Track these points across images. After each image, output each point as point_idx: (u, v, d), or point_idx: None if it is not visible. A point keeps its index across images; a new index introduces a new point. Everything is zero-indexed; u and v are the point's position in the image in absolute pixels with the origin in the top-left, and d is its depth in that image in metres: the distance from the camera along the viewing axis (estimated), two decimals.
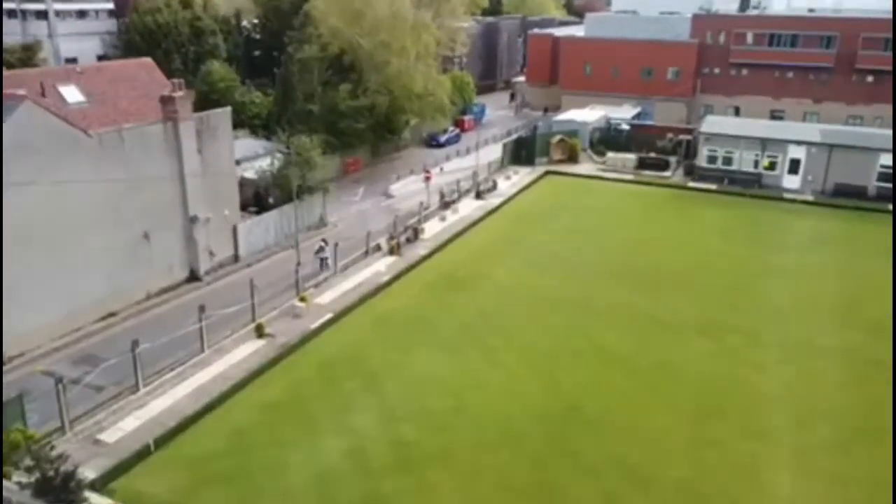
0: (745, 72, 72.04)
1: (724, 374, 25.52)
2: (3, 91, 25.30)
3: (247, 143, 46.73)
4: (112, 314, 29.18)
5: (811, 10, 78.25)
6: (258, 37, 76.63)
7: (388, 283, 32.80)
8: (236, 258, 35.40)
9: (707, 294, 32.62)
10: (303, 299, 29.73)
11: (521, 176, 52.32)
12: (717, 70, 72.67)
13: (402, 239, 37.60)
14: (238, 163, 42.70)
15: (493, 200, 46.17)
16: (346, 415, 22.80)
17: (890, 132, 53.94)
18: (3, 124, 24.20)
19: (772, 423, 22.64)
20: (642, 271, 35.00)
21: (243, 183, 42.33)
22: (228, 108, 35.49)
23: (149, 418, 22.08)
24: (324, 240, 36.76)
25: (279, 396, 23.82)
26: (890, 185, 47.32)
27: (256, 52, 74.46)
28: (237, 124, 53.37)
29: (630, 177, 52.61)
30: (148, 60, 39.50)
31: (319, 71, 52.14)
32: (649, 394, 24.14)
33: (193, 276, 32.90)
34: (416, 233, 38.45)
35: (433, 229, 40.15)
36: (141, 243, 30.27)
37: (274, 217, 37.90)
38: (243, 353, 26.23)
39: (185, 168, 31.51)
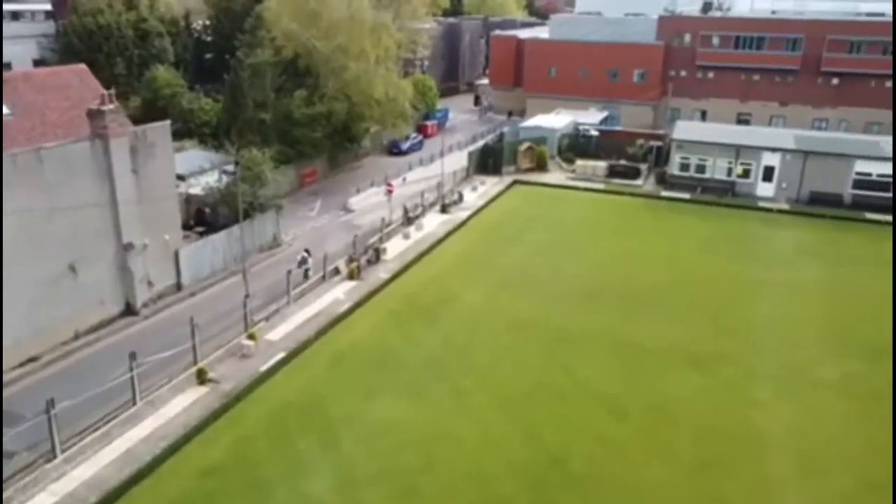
0: (711, 74, 70.82)
1: (721, 415, 23.20)
2: None
3: (193, 156, 43.19)
4: (33, 359, 25.66)
5: (774, 13, 77.58)
6: (209, 39, 72.80)
7: (348, 313, 29.83)
8: (179, 287, 32.03)
9: (693, 316, 30.41)
10: (251, 337, 26.61)
11: (488, 186, 49.78)
12: (683, 72, 71.29)
13: (363, 261, 34.67)
14: (183, 178, 39.36)
15: (459, 214, 43.49)
16: (300, 479, 19.82)
17: (864, 137, 52.96)
18: None
19: (778, 474, 20.35)
20: (622, 291, 32.68)
21: (189, 200, 39.00)
22: (167, 122, 32.09)
23: (66, 493, 18.81)
24: (307, 250, 34.27)
25: (222, 458, 20.71)
26: (866, 193, 46.04)
27: (207, 56, 70.60)
28: (185, 133, 49.94)
29: (601, 186, 50.47)
30: (82, 67, 35.92)
31: (272, 76, 48.86)
32: (642, 441, 21.68)
33: (129, 310, 29.47)
34: (377, 253, 35.53)
35: (396, 248, 37.28)
36: (66, 276, 26.78)
37: (222, 239, 34.60)
38: (182, 403, 23.03)
39: (117, 191, 28.10)
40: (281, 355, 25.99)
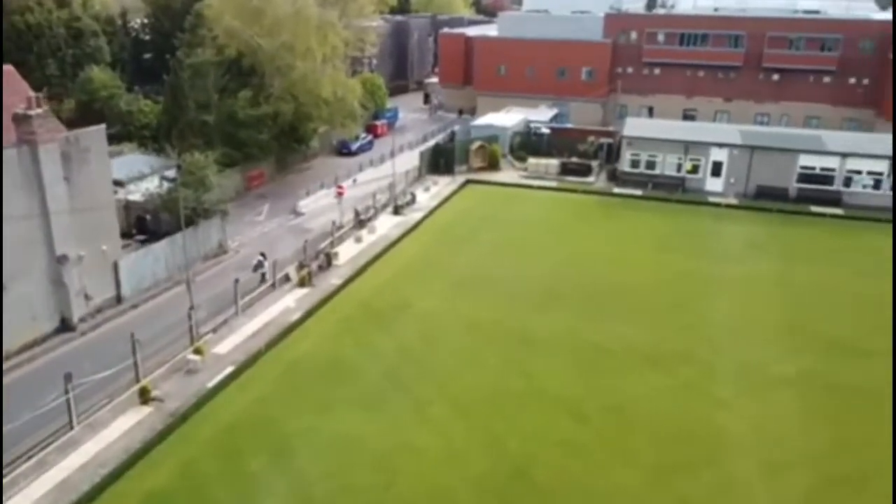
0: (657, 71, 71.63)
1: (683, 415, 22.99)
2: None
3: (133, 160, 41.31)
4: None
5: (716, 10, 78.88)
6: (147, 38, 70.23)
7: (300, 322, 28.73)
8: (119, 299, 30.40)
9: (651, 315, 30.29)
10: (198, 351, 25.32)
11: (440, 186, 49.07)
12: (630, 69, 71.93)
13: (314, 266, 33.56)
14: (121, 184, 37.55)
15: (412, 215, 42.68)
16: (253, 502, 18.75)
17: (808, 132, 54.07)
18: None
19: (742, 475, 20.20)
20: (580, 291, 32.39)
21: (128, 207, 37.25)
22: (103, 126, 30.35)
23: None
24: (262, 254, 33.28)
25: (168, 483, 19.49)
26: (811, 186, 46.95)
27: (146, 56, 68.11)
28: (124, 137, 47.80)
29: (554, 184, 50.30)
30: (9, 68, 33.73)
31: (215, 76, 47.16)
32: (605, 446, 21.28)
33: (66, 326, 27.77)
34: (329, 258, 34.46)
35: (348, 252, 36.26)
36: None
37: (164, 247, 33.02)
38: (123, 426, 21.67)
39: (48, 200, 26.40)
40: (230, 369, 24.78)
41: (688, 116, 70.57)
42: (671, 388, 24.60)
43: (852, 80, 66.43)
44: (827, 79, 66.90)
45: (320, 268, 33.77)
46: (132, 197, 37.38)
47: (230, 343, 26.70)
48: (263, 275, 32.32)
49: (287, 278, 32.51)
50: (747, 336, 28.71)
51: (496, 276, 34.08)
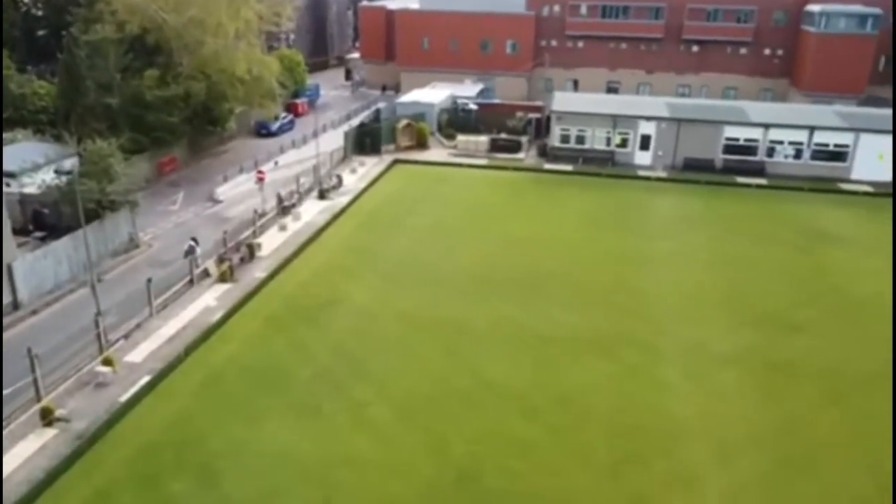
0: (581, 44, 71.33)
1: (631, 404, 22.28)
2: None
3: (26, 149, 37.48)
4: None
5: None
6: (41, 13, 64.46)
7: (222, 322, 26.52)
8: (16, 305, 27.37)
9: (589, 297, 29.57)
10: (108, 361, 22.88)
11: (367, 168, 47.08)
12: (554, 42, 71.35)
13: (235, 259, 31.25)
14: (13, 176, 34.04)
15: (339, 200, 40.64)
16: None
17: (732, 103, 54.74)
18: None
19: (695, 463, 19.62)
20: (516, 276, 31.35)
21: (23, 201, 33.83)
22: None
23: None
24: (194, 238, 31.45)
25: None
26: (735, 157, 47.48)
27: (40, 32, 62.51)
28: (17, 122, 43.50)
29: (484, 161, 49.10)
30: None
31: (116, 55, 43.31)
32: (555, 442, 20.31)
33: None
34: (251, 250, 32.16)
35: (272, 242, 34.02)
36: None
37: (66, 245, 30.00)
38: (23, 453, 19.22)
39: None
40: (145, 380, 22.49)
41: (611, 89, 70.69)
42: (617, 375, 23.88)
43: (767, 52, 67.88)
44: (743, 50, 68.15)
45: (242, 260, 31.50)
46: (27, 190, 33.92)
47: (144, 350, 24.32)
48: (194, 261, 30.12)
49: (206, 273, 30.12)
50: (686, 314, 28.38)
51: (429, 263, 32.65)
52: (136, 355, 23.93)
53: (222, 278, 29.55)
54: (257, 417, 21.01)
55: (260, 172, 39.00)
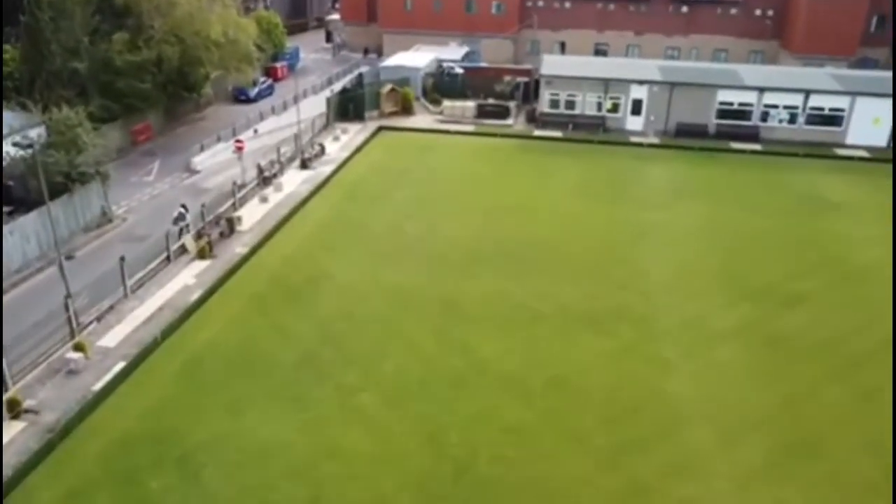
0: (568, 4, 69.34)
1: (628, 384, 21.47)
2: None
3: None
4: None
5: None
6: None
7: (201, 302, 25.28)
8: None
9: (583, 270, 28.60)
10: (79, 347, 21.64)
11: (351, 135, 45.46)
12: (540, 3, 69.26)
13: (215, 234, 29.86)
14: None
15: (322, 169, 39.13)
16: None
17: (725, 66, 53.40)
18: None
19: (697, 447, 18.88)
20: (507, 249, 30.27)
21: None
22: None
23: None
24: (183, 205, 30.64)
25: None
26: (729, 122, 46.33)
27: None
28: None
29: (471, 128, 47.60)
30: None
31: (83, 17, 41.04)
32: (552, 429, 19.45)
33: None
34: (231, 224, 30.76)
35: (253, 215, 32.62)
36: None
37: (33, 221, 28.47)
38: None
39: None
40: (119, 366, 21.29)
41: (599, 51, 68.99)
42: (614, 353, 23.02)
43: (758, 12, 66.29)
44: (734, 10, 66.53)
45: (222, 235, 30.12)
46: None
47: (119, 333, 23.09)
48: (183, 228, 29.16)
49: (184, 249, 28.74)
50: (682, 287, 27.51)
51: (417, 236, 31.46)
52: (110, 339, 22.70)
53: (201, 255, 28.21)
54: (239, 406, 19.95)
55: (238, 141, 37.40)
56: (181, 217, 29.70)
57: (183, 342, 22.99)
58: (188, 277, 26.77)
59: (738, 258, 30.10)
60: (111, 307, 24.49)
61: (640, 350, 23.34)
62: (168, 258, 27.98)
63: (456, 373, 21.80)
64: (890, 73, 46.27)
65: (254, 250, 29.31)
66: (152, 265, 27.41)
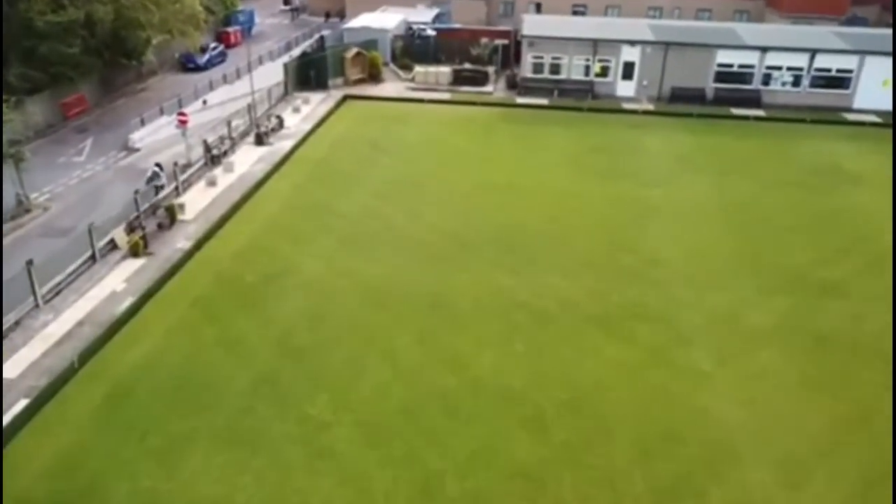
0: None
1: (659, 403, 17.59)
2: None
3: None
4: None
5: None
6: None
7: (132, 312, 20.64)
8: None
9: (586, 259, 24.61)
10: None
11: (313, 106, 40.58)
12: None
13: (151, 226, 25.14)
14: None
15: (280, 145, 34.35)
16: None
17: (722, 25, 49.42)
18: None
19: (759, 489, 15.10)
20: (497, 235, 26.12)
21: None
22: None
23: None
24: (157, 164, 28.82)
25: None
26: (728, 86, 42.47)
27: None
28: None
29: (447, 96, 43.03)
30: None
31: None
32: (574, 470, 15.47)
33: None
34: (172, 213, 26.01)
35: (199, 201, 27.87)
36: None
37: None
38: None
39: None
40: (20, 406, 16.66)
41: (577, 11, 64.27)
42: (636, 362, 19.13)
43: None
44: None
45: (160, 227, 25.38)
46: None
47: (24, 359, 18.42)
48: (159, 188, 27.26)
49: (113, 245, 23.98)
50: (700, 276, 23.71)
51: (393, 221, 27.13)
52: (12, 368, 18.03)
53: (133, 252, 23.50)
54: (175, 454, 15.57)
55: (181, 114, 32.43)
56: (155, 176, 27.51)
57: (106, 367, 18.40)
58: (117, 281, 22.07)
59: (756, 240, 26.40)
60: (17, 322, 19.76)
61: (666, 357, 19.48)
62: (93, 257, 23.19)
63: (448, 394, 17.69)
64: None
65: (199, 244, 24.65)
66: (76, 265, 22.62)
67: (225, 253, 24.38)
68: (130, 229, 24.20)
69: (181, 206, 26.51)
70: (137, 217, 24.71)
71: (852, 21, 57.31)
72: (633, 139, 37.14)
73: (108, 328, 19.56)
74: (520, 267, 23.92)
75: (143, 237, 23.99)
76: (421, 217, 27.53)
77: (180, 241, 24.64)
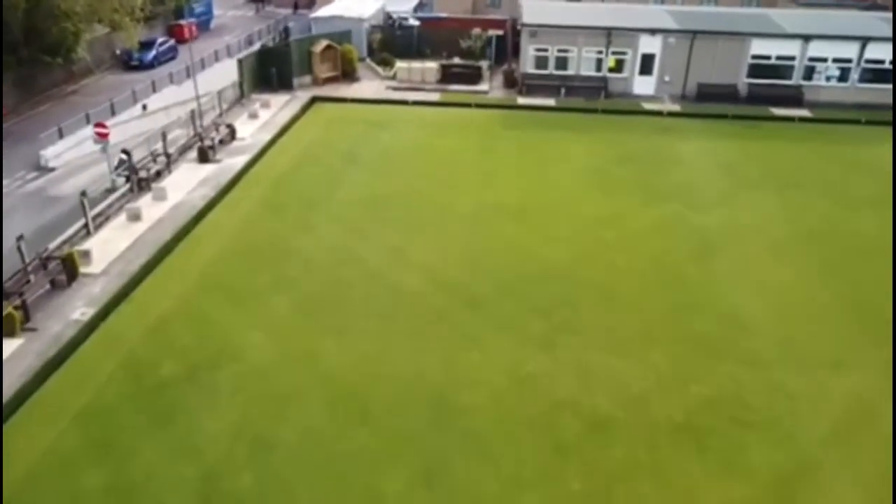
0: None
1: None
2: None
3: None
4: None
5: None
6: None
7: (14, 409, 13.74)
8: None
9: (645, 322, 18.02)
10: None
11: (274, 111, 33.59)
12: None
13: (39, 287, 18.06)
14: None
15: (230, 162, 27.38)
16: None
17: (752, 11, 43.45)
18: None
19: None
20: (517, 283, 19.48)
21: None
22: None
23: None
24: (124, 150, 25.92)
25: None
26: (765, 82, 36.16)
27: None
28: None
29: (435, 97, 36.26)
30: None
31: None
32: None
33: None
34: (69, 265, 18.92)
35: (113, 245, 20.82)
36: None
37: None
38: None
39: None
40: None
41: None
42: (749, 500, 12.58)
43: None
44: None
45: (53, 285, 18.31)
46: None
47: None
48: (129, 177, 24.09)
49: None
50: (809, 344, 17.28)
51: (371, 267, 20.31)
52: None
53: (8, 330, 16.41)
54: None
55: (100, 125, 25.26)
56: (122, 163, 24.98)
57: None
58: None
59: (859, 283, 20.05)
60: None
61: (789, 490, 12.92)
62: None
63: None
64: None
65: (105, 312, 17.63)
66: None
67: (138, 326, 17.33)
68: (6, 295, 17.10)
69: (85, 254, 19.43)
70: (21, 272, 17.60)
71: (872, 7, 51.60)
72: (663, 147, 30.66)
73: None
74: (554, 337, 17.27)
75: (24, 306, 16.92)
76: (409, 258, 20.77)
77: (78, 307, 17.61)
